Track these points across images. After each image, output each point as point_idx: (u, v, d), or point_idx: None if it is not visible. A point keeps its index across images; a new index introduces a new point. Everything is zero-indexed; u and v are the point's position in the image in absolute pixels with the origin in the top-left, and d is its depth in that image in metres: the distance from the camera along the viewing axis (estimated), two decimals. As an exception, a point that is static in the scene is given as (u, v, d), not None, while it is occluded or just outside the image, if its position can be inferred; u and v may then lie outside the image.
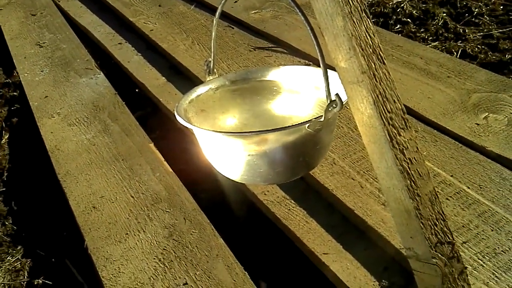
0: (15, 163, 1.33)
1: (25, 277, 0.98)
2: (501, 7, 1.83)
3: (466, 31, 1.68)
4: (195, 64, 1.49)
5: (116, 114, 1.32)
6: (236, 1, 1.88)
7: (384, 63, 0.54)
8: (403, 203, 0.56)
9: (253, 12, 1.79)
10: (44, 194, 1.20)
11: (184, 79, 1.48)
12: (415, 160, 0.55)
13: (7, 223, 1.12)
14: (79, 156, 1.17)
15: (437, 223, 0.56)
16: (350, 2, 0.51)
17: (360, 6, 0.52)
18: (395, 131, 0.54)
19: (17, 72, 1.66)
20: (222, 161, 0.75)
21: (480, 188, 0.93)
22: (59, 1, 2.17)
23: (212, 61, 0.83)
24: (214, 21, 0.77)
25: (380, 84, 0.53)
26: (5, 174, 1.28)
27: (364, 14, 0.52)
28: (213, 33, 0.80)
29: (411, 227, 0.57)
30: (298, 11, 0.60)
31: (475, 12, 1.78)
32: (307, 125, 0.64)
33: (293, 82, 0.85)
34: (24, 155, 1.35)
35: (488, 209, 0.88)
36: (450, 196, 0.92)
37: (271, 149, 0.67)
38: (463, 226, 0.86)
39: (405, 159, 0.54)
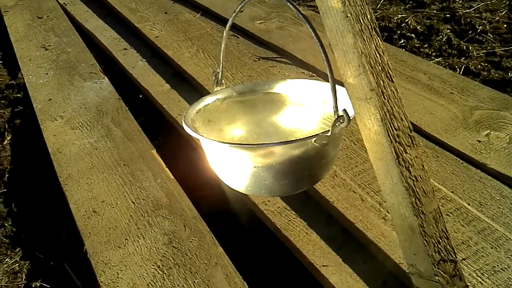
0: (17, 164, 1.33)
1: (23, 280, 0.98)
2: (505, 25, 1.84)
3: (470, 48, 1.69)
4: (199, 72, 1.50)
5: (119, 119, 1.33)
6: (242, 11, 1.89)
7: (392, 81, 0.55)
8: (407, 220, 0.56)
9: (258, 22, 1.81)
10: (44, 196, 1.19)
11: (188, 87, 1.49)
12: (421, 177, 0.55)
13: (6, 224, 1.11)
14: (81, 160, 1.17)
15: (441, 240, 0.56)
16: (361, 20, 0.51)
17: (370, 24, 0.52)
18: (401, 148, 0.54)
19: (21, 74, 1.66)
20: (227, 172, 0.75)
21: (481, 205, 0.94)
22: (65, 5, 2.19)
23: (220, 72, 0.84)
24: (225, 33, 0.78)
25: (388, 101, 0.53)
26: (6, 175, 1.28)
27: (374, 33, 0.53)
28: (223, 45, 0.80)
29: (415, 244, 0.57)
30: (311, 30, 0.61)
31: (479, 30, 1.80)
32: (313, 139, 0.65)
33: (300, 96, 0.86)
34: (26, 157, 1.35)
35: (488, 226, 0.89)
36: (451, 212, 0.92)
37: (277, 162, 0.67)
38: (462, 243, 0.86)
39: (410, 176, 0.55)
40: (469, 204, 0.94)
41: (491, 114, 1.19)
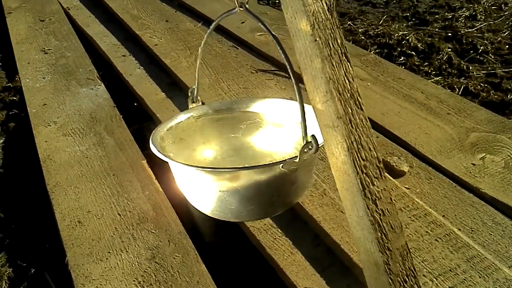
0: (8, 168, 1.32)
1: (3, 287, 0.96)
2: (507, 46, 1.82)
3: (470, 68, 1.67)
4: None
5: (112, 128, 1.32)
6: (243, 22, 1.88)
7: (361, 109, 0.53)
8: (372, 255, 0.53)
9: (258, 34, 1.80)
10: (32, 203, 1.18)
11: (184, 96, 1.47)
12: (388, 211, 0.53)
13: (-8, 230, 1.10)
14: (70, 168, 1.16)
15: (407, 279, 0.54)
16: (330, 44, 0.50)
17: (340, 49, 0.51)
18: (368, 180, 0.52)
19: (19, 77, 1.66)
20: (194, 194, 0.72)
21: (472, 231, 0.91)
22: (68, 9, 2.19)
23: (196, 88, 0.82)
24: (200, 50, 0.76)
25: (356, 130, 0.51)
26: (-4, 179, 1.27)
27: (344, 58, 0.51)
28: (198, 61, 0.79)
29: (380, 282, 0.54)
30: (281, 52, 0.59)
31: (480, 50, 1.78)
32: (281, 165, 0.62)
33: (277, 116, 0.83)
34: (17, 162, 1.34)
35: (478, 254, 0.87)
36: (440, 238, 0.90)
37: (243, 187, 0.65)
38: (450, 270, 0.84)
39: (377, 210, 0.52)
40: (459, 230, 0.92)
41: (487, 136, 1.17)
